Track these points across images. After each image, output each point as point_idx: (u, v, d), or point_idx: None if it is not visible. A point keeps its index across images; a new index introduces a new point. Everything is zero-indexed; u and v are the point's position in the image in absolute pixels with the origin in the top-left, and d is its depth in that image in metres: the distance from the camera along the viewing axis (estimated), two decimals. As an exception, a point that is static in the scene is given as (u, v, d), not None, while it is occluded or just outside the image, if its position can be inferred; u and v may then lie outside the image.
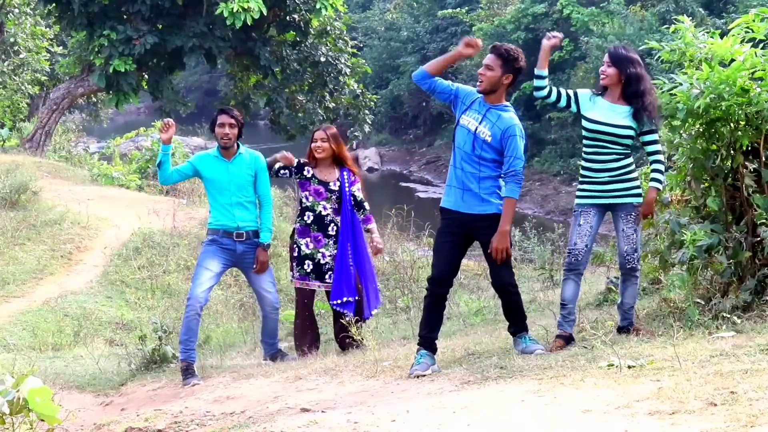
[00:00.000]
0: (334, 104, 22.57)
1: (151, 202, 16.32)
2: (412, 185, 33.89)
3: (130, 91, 20.47)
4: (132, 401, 7.02)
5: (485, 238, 5.86)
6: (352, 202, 7.54)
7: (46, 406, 4.20)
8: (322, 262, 7.46)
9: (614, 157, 5.97)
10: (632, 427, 3.80)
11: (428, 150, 39.14)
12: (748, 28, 6.11)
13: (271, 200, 7.49)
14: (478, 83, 5.91)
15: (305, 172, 7.53)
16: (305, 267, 7.47)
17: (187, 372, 7.07)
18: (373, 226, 7.73)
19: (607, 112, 5.97)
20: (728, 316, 5.52)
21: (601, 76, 6.03)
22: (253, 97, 22.85)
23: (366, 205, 7.64)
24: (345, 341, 7.23)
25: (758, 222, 5.76)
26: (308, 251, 7.47)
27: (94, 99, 29.26)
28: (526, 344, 5.92)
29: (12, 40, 24.81)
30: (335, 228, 7.49)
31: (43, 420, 4.28)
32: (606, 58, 6.05)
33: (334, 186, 7.50)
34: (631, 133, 5.96)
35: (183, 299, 11.79)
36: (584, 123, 6.03)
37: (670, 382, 4.34)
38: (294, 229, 7.62)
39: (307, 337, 7.53)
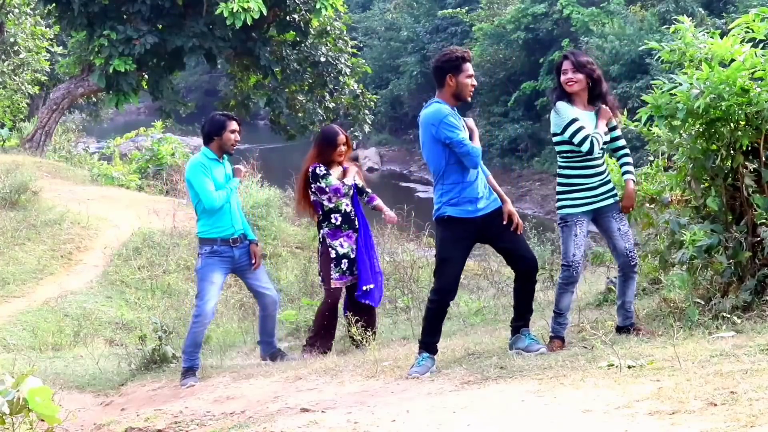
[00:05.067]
0: (334, 104, 22.57)
1: (151, 202, 16.32)
2: (412, 185, 33.89)
3: (130, 91, 20.47)
4: (132, 401, 7.02)
5: (497, 229, 5.91)
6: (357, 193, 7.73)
7: (46, 406, 4.20)
8: (352, 257, 7.56)
9: (602, 161, 6.05)
10: (632, 427, 3.80)
11: (428, 150, 39.07)
12: (748, 28, 6.11)
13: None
14: (471, 93, 5.95)
15: (328, 179, 7.54)
16: (342, 266, 7.52)
17: (187, 373, 7.08)
18: (377, 201, 7.80)
19: (589, 122, 5.96)
20: (728, 316, 5.52)
21: (568, 84, 5.95)
22: (253, 97, 22.84)
23: (366, 188, 7.80)
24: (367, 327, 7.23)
25: (758, 222, 5.76)
26: (344, 250, 7.52)
27: (94, 99, 29.27)
28: (527, 342, 5.91)
29: (12, 40, 24.81)
30: (356, 221, 7.61)
31: (43, 420, 4.28)
32: (568, 65, 5.96)
33: (349, 181, 7.62)
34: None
35: (183, 299, 11.81)
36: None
37: (670, 382, 4.34)
38: (323, 235, 7.58)
39: (328, 339, 7.58)
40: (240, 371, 7.11)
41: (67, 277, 13.06)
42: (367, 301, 7.53)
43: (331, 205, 7.54)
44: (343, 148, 7.60)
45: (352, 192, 7.62)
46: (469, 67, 5.88)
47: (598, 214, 6.05)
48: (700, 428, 3.64)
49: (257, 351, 8.06)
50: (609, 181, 6.06)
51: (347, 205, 7.56)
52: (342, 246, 7.52)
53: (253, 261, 7.33)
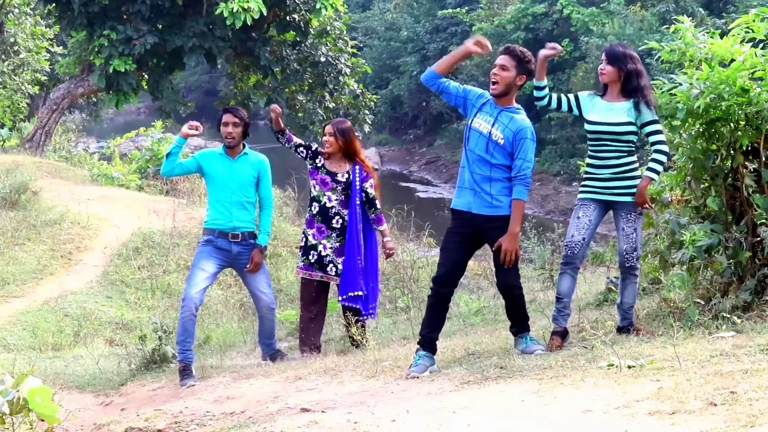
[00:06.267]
0: (334, 104, 22.59)
1: (151, 202, 16.32)
2: (412, 185, 33.90)
3: (130, 91, 20.48)
4: (132, 401, 7.02)
5: (493, 239, 5.86)
6: (363, 198, 7.54)
7: (46, 406, 4.20)
8: (323, 254, 7.48)
9: (616, 154, 6.00)
10: (632, 427, 3.80)
11: (428, 150, 39.19)
12: (748, 28, 6.11)
13: (272, 203, 7.50)
14: (492, 84, 5.89)
15: (317, 161, 7.56)
16: (310, 257, 7.51)
17: (184, 373, 7.07)
18: (384, 227, 7.69)
19: (606, 113, 6.02)
20: (728, 316, 5.52)
21: (600, 75, 6.09)
22: (253, 97, 22.85)
23: (377, 203, 7.59)
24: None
25: (758, 222, 5.76)
26: (314, 242, 7.50)
27: (94, 99, 29.26)
28: (526, 344, 5.93)
29: (12, 40, 24.80)
30: (340, 221, 7.49)
31: (43, 420, 4.28)
32: (604, 57, 6.11)
33: (342, 177, 7.51)
34: (631, 128, 5.97)
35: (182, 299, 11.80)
36: (586, 125, 6.14)
37: (670, 382, 4.34)
38: (305, 219, 7.69)
39: (310, 332, 7.53)
40: (240, 371, 7.11)
41: (67, 277, 13.06)
42: (351, 305, 7.42)
43: (315, 193, 7.54)
44: (326, 137, 7.56)
45: (341, 188, 7.48)
46: (499, 60, 5.89)
47: (613, 210, 6.07)
48: (700, 428, 3.64)
49: (257, 351, 8.06)
50: (629, 179, 6.00)
51: (330, 200, 7.48)
52: (314, 237, 7.49)
53: (249, 265, 7.31)
